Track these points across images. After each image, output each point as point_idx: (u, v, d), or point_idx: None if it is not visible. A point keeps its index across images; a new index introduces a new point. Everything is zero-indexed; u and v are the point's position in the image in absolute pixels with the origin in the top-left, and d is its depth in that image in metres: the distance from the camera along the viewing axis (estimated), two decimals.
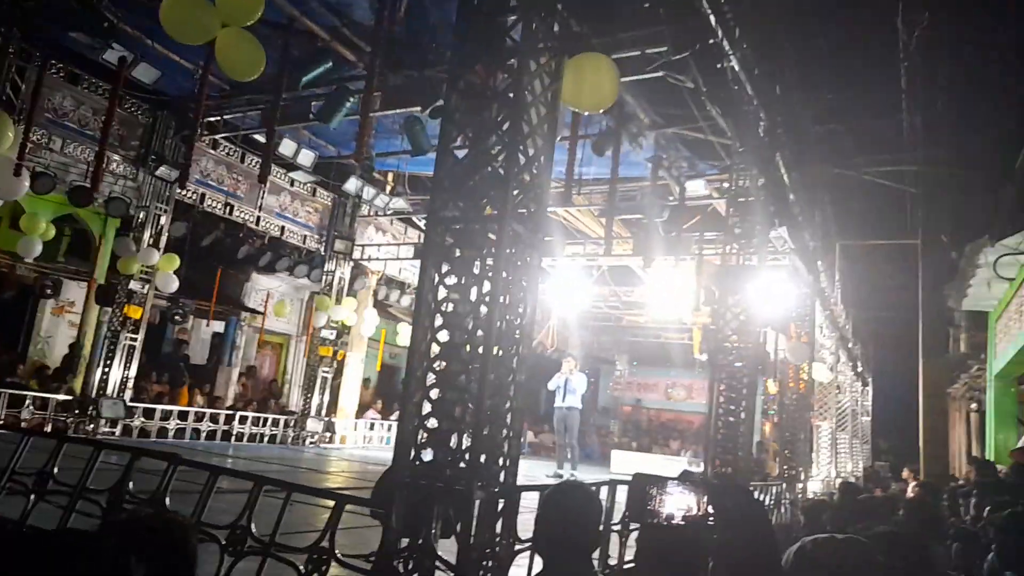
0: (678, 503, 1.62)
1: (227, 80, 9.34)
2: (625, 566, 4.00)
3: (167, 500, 3.33)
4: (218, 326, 15.32)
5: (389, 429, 14.45)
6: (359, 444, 13.38)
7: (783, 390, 10.34)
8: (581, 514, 2.60)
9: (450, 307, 3.02)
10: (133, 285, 9.71)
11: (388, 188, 12.53)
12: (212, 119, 10.25)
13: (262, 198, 11.65)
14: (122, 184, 9.92)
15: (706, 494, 1.58)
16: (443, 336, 2.98)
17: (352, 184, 10.98)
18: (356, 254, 13.08)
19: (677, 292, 13.53)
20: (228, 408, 12.65)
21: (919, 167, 9.74)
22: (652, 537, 2.63)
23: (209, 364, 15.36)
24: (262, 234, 12.04)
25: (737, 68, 6.04)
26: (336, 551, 3.05)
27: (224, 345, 15.09)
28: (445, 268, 3.05)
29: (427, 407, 2.97)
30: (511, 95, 3.09)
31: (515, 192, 3.07)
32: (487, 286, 2.99)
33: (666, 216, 10.76)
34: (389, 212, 12.53)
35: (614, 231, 11.88)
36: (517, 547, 3.22)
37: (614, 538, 4.12)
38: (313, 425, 12.31)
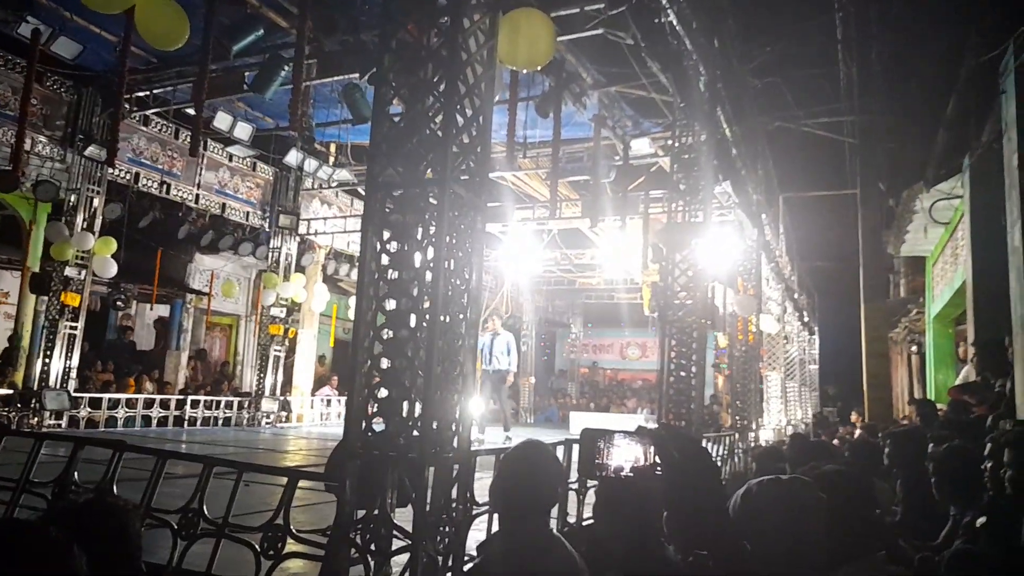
0: (626, 455, 1.61)
1: (155, 52, 8.97)
2: (584, 523, 4.06)
3: (115, 488, 3.23)
4: (163, 310, 14.93)
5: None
6: (316, 421, 13.27)
7: (733, 343, 10.54)
8: (539, 474, 2.61)
9: (394, 275, 2.96)
10: (69, 271, 9.35)
11: (331, 159, 12.26)
12: (141, 94, 9.84)
13: (200, 175, 11.30)
14: (50, 166, 9.50)
15: (653, 444, 1.58)
16: (389, 305, 2.93)
17: (293, 157, 10.72)
18: (302, 229, 12.82)
19: (626, 252, 13.67)
20: (180, 393, 12.40)
21: (855, 117, 9.92)
22: (606, 491, 2.66)
23: (156, 349, 14.99)
24: (202, 212, 11.69)
25: (675, 22, 6.01)
26: (291, 527, 3.02)
27: (170, 329, 14.72)
28: (387, 235, 2.98)
29: (376, 377, 2.93)
30: (445, 53, 3.01)
31: (455, 153, 3.01)
32: (431, 252, 2.94)
33: (612, 176, 10.80)
34: (333, 184, 12.27)
35: (563, 194, 11.88)
36: (475, 511, 3.23)
37: (573, 496, 4.17)
38: (268, 405, 12.14)
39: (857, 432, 9.60)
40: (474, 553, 3.02)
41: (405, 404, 2.85)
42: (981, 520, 3.36)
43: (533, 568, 2.36)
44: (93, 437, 3.96)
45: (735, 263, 9.84)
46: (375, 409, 2.93)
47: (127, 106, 9.66)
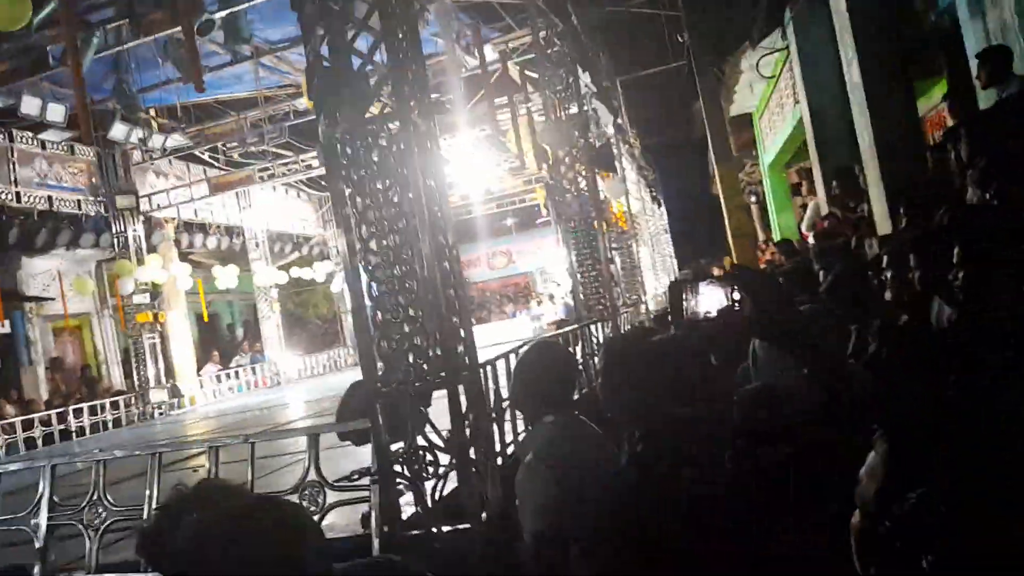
0: (710, 300, 1.86)
1: None
2: None
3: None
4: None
5: (236, 377, 13.88)
6: (211, 400, 12.76)
7: (610, 226, 11.13)
8: (567, 366, 2.83)
9: (370, 215, 2.98)
10: None
11: (155, 126, 11.31)
12: None
13: (14, 171, 10.09)
14: None
15: (733, 285, 1.83)
16: (375, 245, 2.96)
17: (119, 130, 9.80)
18: (144, 207, 11.88)
19: (479, 164, 13.82)
20: (46, 407, 11.44)
21: None
22: (610, 357, 2.89)
23: (5, 369, 13.60)
24: (28, 210, 10.53)
25: None
26: (327, 479, 3.09)
27: (16, 344, 13.36)
28: (355, 177, 2.98)
29: (378, 315, 2.98)
30: None
31: (400, 84, 3.01)
32: (400, 185, 2.98)
33: (461, 90, 10.78)
34: (167, 153, 11.42)
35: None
36: (492, 415, 3.43)
37: None
38: (157, 395, 11.51)
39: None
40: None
41: (417, 338, 2.94)
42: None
43: (591, 454, 2.58)
44: (64, 456, 3.73)
45: (597, 151, 10.27)
46: (384, 347, 3.00)
47: None
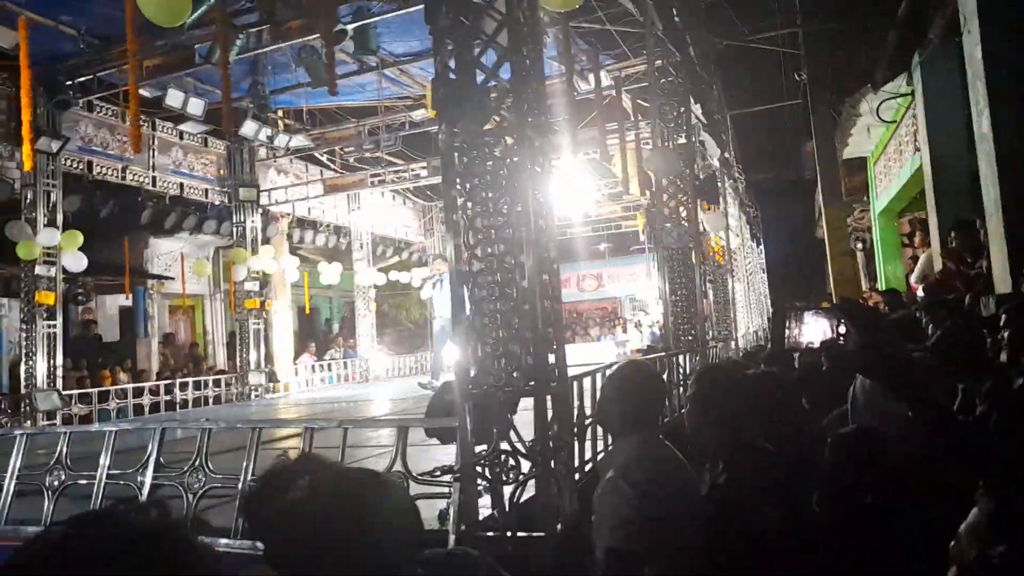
0: (814, 330, 1.87)
1: (96, 33, 8.61)
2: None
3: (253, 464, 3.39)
4: (123, 299, 14.55)
5: (328, 369, 14.44)
6: (302, 389, 13.32)
7: (706, 259, 10.99)
8: (655, 387, 2.87)
9: (478, 222, 3.12)
10: (39, 270, 9.06)
11: (281, 126, 12.02)
12: (83, 79, 9.43)
13: (154, 157, 10.94)
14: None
15: (838, 317, 1.82)
16: (481, 252, 3.10)
17: (249, 128, 10.48)
18: (263, 200, 12.61)
19: (580, 187, 13.92)
20: (156, 379, 12.26)
21: (803, 28, 10.25)
22: (700, 388, 2.88)
23: (123, 339, 14.66)
24: (160, 195, 11.38)
25: None
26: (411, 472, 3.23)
27: (136, 317, 14.40)
28: (467, 186, 3.13)
29: (477, 321, 3.11)
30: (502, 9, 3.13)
31: (519, 99, 3.15)
32: (510, 197, 3.11)
33: (571, 112, 10.93)
34: (290, 152, 12.10)
35: None
36: (575, 429, 3.49)
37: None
38: (255, 378, 12.12)
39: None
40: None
41: (512, 344, 3.05)
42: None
43: (674, 477, 2.61)
44: (170, 423, 4.07)
45: (700, 182, 10.17)
46: (480, 351, 3.12)
47: (71, 93, 9.27)
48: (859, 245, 16.15)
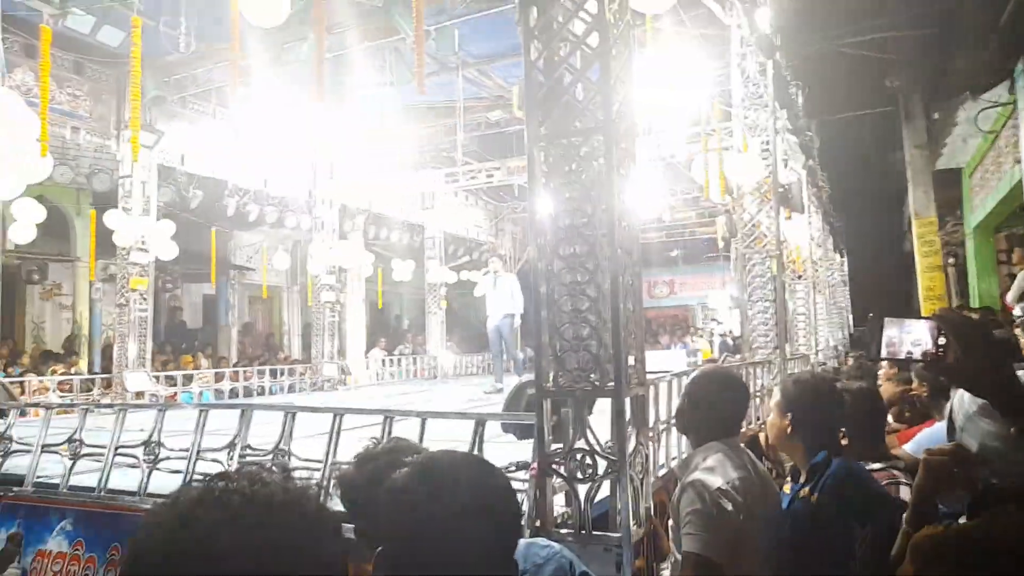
0: (912, 340, 1.75)
1: (196, 35, 9.01)
2: None
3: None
4: (207, 287, 15.18)
5: (398, 364, 14.69)
6: (373, 382, 13.60)
7: (782, 268, 10.69)
8: (737, 395, 2.83)
9: (566, 221, 3.13)
10: (135, 256, 9.55)
11: None
12: (179, 76, 9.90)
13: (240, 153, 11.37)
14: (100, 156, 9.62)
15: (939, 327, 1.71)
16: (565, 250, 3.10)
17: None
18: (340, 197, 12.92)
19: (656, 191, 13.76)
20: (234, 366, 12.73)
21: (900, 31, 9.87)
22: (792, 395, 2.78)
23: (206, 326, 15.30)
24: (245, 189, 11.81)
25: None
26: None
27: (218, 305, 14.99)
28: (552, 185, 3.14)
29: (557, 319, 3.11)
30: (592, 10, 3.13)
31: (609, 101, 3.14)
32: (592, 195, 3.10)
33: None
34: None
35: None
36: (650, 433, 3.46)
37: None
38: (328, 369, 12.45)
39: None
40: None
41: (593, 343, 3.05)
42: None
43: (756, 486, 2.56)
44: (257, 404, 4.23)
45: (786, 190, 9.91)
46: (559, 348, 3.13)
47: (168, 90, 9.75)
48: (951, 260, 15.46)
